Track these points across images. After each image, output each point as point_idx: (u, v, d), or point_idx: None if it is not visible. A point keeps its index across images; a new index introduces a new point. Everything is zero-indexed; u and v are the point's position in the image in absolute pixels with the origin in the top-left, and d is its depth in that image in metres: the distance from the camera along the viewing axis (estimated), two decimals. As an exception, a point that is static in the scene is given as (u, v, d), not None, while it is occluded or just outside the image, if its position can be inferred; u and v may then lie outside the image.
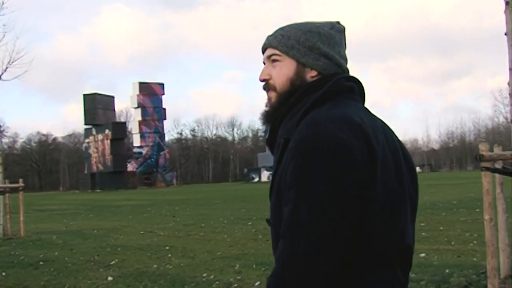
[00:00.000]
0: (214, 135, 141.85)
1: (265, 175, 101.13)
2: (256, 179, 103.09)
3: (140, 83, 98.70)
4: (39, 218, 24.69)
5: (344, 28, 1.93)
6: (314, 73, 1.83)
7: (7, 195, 16.55)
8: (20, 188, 16.65)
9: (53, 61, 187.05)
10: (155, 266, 10.26)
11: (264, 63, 1.93)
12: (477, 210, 17.82)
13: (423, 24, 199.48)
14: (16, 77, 17.52)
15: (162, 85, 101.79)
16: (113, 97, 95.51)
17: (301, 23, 1.90)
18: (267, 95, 1.89)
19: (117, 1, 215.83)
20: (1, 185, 16.49)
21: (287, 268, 1.56)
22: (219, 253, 11.38)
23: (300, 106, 1.76)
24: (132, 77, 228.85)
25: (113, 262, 10.83)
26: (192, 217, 20.86)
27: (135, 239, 14.42)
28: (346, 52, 1.93)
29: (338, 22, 1.93)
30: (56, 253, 12.47)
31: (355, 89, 1.84)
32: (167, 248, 12.42)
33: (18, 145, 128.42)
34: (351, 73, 1.91)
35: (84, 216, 24.96)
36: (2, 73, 16.86)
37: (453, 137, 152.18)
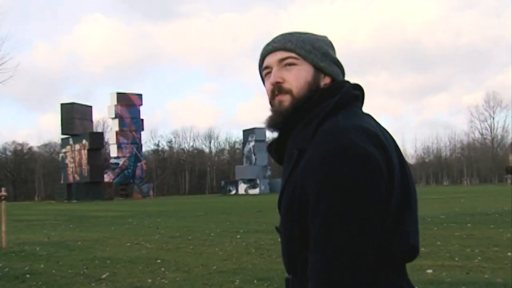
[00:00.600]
0: (191, 147, 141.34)
1: (242, 188, 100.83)
2: (233, 192, 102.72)
3: (118, 93, 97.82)
4: (17, 228, 23.97)
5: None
6: (327, 79, 1.86)
7: (-8, 204, 15.98)
8: (2, 197, 16.09)
9: (30, 70, 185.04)
10: (149, 280, 9.82)
11: (265, 69, 1.91)
12: (468, 225, 17.70)
13: (401, 39, 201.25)
14: (0, 82, 16.94)
15: (140, 95, 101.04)
16: (90, 106, 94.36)
17: (304, 32, 1.92)
18: (278, 98, 1.84)
19: (96, 10, 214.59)
20: (-17, 194, 15.92)
21: (330, 285, 1.55)
22: (214, 267, 10.95)
23: (314, 115, 1.75)
24: (110, 87, 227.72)
25: (104, 276, 10.37)
26: (176, 229, 20.38)
27: (123, 251, 13.93)
28: None
29: (326, 37, 1.96)
30: (42, 265, 11.96)
31: (360, 97, 1.87)
32: (159, 261, 11.97)
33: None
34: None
35: (64, 227, 24.31)
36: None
37: (429, 152, 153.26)
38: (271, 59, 1.87)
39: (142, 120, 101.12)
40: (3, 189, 16.33)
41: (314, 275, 1.59)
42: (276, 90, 1.84)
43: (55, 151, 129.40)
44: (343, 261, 1.55)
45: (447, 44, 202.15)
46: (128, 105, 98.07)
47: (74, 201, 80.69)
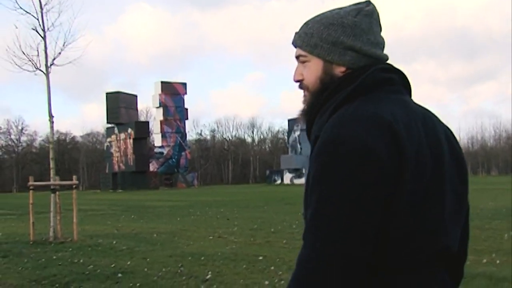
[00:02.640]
0: (234, 136, 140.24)
1: (288, 177, 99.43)
2: (279, 181, 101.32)
3: (163, 83, 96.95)
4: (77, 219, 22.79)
5: (373, 10, 1.81)
6: (342, 68, 1.78)
7: (57, 193, 14.71)
8: (74, 186, 14.80)
9: (71, 59, 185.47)
10: (266, 282, 8.36)
11: (297, 58, 1.87)
12: None
13: (451, 26, 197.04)
14: (70, 62, 15.58)
15: (184, 84, 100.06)
16: (136, 96, 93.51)
17: (325, 14, 1.83)
18: (304, 94, 1.87)
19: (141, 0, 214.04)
20: (53, 182, 14.65)
21: (308, 272, 1.53)
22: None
23: (331, 103, 1.73)
24: (154, 77, 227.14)
25: (209, 276, 8.95)
26: (251, 221, 18.98)
27: (211, 246, 12.55)
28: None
29: (367, 3, 1.82)
30: (129, 262, 10.60)
31: (395, 80, 1.77)
32: (261, 258, 10.52)
33: (37, 143, 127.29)
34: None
35: (126, 218, 23.11)
36: (56, 57, 14.89)
37: (473, 142, 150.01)
38: (295, 54, 1.88)
39: (187, 109, 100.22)
40: (74, 177, 15.07)
41: (300, 262, 1.56)
42: (300, 87, 1.87)
43: (97, 141, 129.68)
44: (321, 248, 1.50)
45: (497, 30, 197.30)
46: (173, 94, 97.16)
47: (120, 190, 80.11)
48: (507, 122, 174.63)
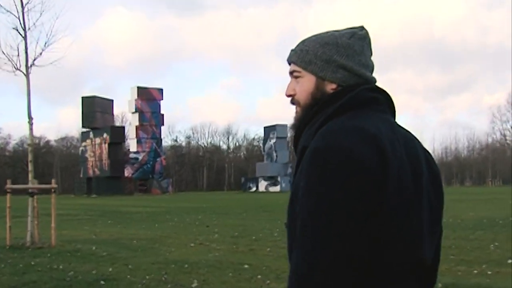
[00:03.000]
0: (209, 143, 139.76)
1: (263, 185, 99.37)
2: (254, 189, 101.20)
3: (139, 88, 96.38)
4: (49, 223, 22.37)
5: (366, 34, 1.90)
6: (333, 85, 1.84)
7: (35, 197, 14.36)
8: (53, 190, 14.46)
9: (47, 62, 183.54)
10: (255, 291, 8.15)
11: (290, 74, 1.94)
12: None
13: (428, 36, 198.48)
14: (51, 63, 15.23)
15: (161, 90, 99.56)
16: (112, 100, 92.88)
17: (321, 35, 1.90)
18: (295, 109, 1.92)
19: (119, 3, 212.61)
20: (31, 186, 14.29)
21: (301, 282, 1.55)
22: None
23: (320, 116, 1.78)
24: (130, 82, 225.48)
25: (195, 285, 8.72)
26: (231, 228, 18.73)
27: (193, 253, 12.30)
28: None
29: (361, 28, 1.91)
30: (110, 269, 10.31)
31: (380, 100, 1.83)
32: (246, 266, 10.30)
33: (10, 147, 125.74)
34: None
35: (103, 223, 22.75)
36: (36, 57, 14.53)
37: (447, 152, 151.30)
38: (289, 70, 1.93)
39: (163, 115, 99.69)
40: (53, 180, 14.73)
41: (290, 270, 1.60)
42: (292, 102, 1.92)
43: (72, 145, 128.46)
44: (315, 258, 1.53)
45: (473, 42, 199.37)
46: (149, 100, 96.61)
47: (94, 195, 79.29)
48: (481, 133, 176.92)
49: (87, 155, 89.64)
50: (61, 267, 10.61)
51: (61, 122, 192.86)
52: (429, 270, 1.77)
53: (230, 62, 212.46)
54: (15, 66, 14.58)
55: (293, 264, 1.59)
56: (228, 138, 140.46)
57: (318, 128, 1.72)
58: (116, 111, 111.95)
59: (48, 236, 14.95)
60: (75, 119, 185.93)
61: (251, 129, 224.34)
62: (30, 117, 14.65)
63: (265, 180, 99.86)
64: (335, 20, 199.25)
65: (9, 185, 14.17)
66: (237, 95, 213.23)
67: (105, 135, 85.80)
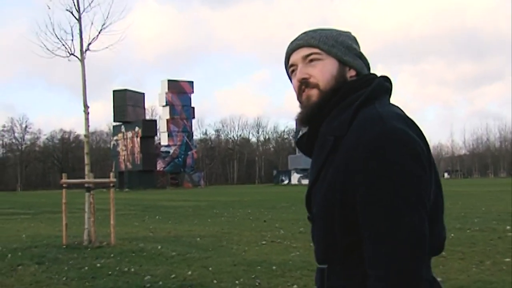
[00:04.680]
0: (239, 136, 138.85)
1: (295, 178, 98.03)
2: (286, 181, 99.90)
3: (169, 81, 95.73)
4: (98, 220, 21.33)
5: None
6: (353, 72, 1.86)
7: (92, 192, 13.29)
8: (112, 184, 13.37)
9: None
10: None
11: (290, 67, 1.93)
12: None
13: (460, 26, 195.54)
14: (106, 47, 14.12)
15: (191, 83, 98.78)
16: (143, 94, 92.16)
17: (328, 28, 1.92)
18: (305, 94, 1.85)
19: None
20: (88, 180, 13.22)
21: (397, 272, 1.55)
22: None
23: (347, 103, 1.75)
24: (159, 75, 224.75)
25: (298, 292, 7.52)
26: (291, 223, 17.52)
27: (271, 253, 11.15)
28: (367, 51, 1.98)
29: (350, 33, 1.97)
30: (189, 272, 9.16)
31: (390, 90, 1.86)
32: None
33: (40, 142, 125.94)
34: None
35: (151, 219, 21.71)
36: (92, 41, 13.43)
37: (478, 143, 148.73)
38: (296, 57, 1.89)
39: (193, 108, 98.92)
40: (111, 174, 13.65)
41: (381, 266, 1.56)
42: (304, 85, 1.85)
43: (101, 139, 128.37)
44: (409, 249, 1.55)
45: (506, 31, 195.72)
46: (179, 93, 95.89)
47: (126, 189, 78.52)
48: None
49: (118, 149, 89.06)
50: (132, 269, 9.50)
51: (91, 117, 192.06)
52: (442, 250, 1.80)
53: (260, 55, 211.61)
54: (69, 51, 13.51)
55: (382, 259, 1.56)
56: (258, 131, 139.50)
57: (352, 116, 1.70)
58: (146, 104, 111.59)
59: (103, 233, 13.96)
60: (105, 114, 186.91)
61: (281, 121, 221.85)
62: (86, 106, 13.62)
63: (297, 172, 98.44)
64: (367, 10, 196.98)
65: (64, 179, 13.10)
66: (266, 88, 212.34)
67: (136, 128, 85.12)
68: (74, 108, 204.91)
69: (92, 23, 13.52)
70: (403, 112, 1.74)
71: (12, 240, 14.44)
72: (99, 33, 13.45)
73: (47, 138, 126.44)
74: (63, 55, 13.53)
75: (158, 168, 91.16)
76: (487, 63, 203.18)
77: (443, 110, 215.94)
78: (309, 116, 1.84)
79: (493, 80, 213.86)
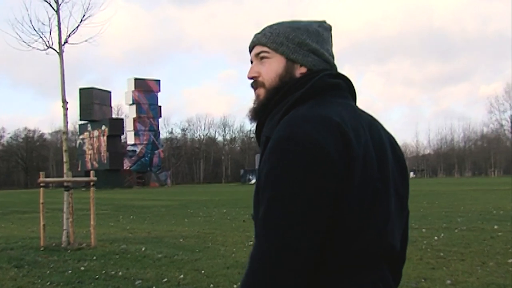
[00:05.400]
0: (205, 135, 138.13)
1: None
2: (253, 181, 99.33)
3: (136, 79, 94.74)
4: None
5: (331, 27, 1.94)
6: (303, 69, 1.83)
7: (71, 191, 12.71)
8: (92, 183, 12.80)
9: (45, 55, 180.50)
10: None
11: (251, 62, 1.92)
12: None
13: (427, 26, 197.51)
14: (86, 40, 13.52)
15: (158, 81, 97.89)
16: (110, 92, 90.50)
17: (289, 21, 1.90)
18: (256, 93, 1.88)
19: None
20: (68, 179, 12.63)
21: (260, 268, 1.54)
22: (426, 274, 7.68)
23: (284, 103, 1.77)
24: (125, 73, 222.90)
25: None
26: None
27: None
28: (334, 51, 1.95)
29: (324, 21, 1.94)
30: (181, 275, 8.70)
31: (341, 85, 1.83)
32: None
33: (4, 140, 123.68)
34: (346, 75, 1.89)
35: (126, 219, 21.09)
36: (71, 34, 12.81)
37: (442, 143, 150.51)
38: (252, 54, 1.91)
39: (160, 106, 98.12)
40: (92, 172, 13.07)
41: (253, 258, 1.57)
42: (253, 85, 1.87)
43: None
44: (275, 246, 1.52)
45: (472, 32, 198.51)
46: (146, 91, 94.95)
47: (83, 189, 77.10)
48: (476, 123, 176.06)
49: (85, 148, 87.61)
50: (120, 273, 8.99)
51: (54, 115, 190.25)
52: (397, 259, 1.78)
53: (227, 54, 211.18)
54: (47, 44, 12.89)
55: (254, 248, 1.57)
56: (224, 130, 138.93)
57: (281, 117, 1.71)
58: (112, 103, 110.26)
59: (81, 235, 13.42)
60: (70, 112, 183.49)
61: (247, 121, 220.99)
62: (64, 101, 12.97)
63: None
64: (335, 9, 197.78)
65: (42, 178, 12.52)
66: (233, 87, 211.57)
67: (103, 127, 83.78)
68: (39, 107, 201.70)
69: (71, 15, 12.88)
70: (341, 112, 1.68)
71: (-16, 242, 13.76)
72: (79, 25, 12.86)
73: (11, 137, 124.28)
74: (41, 48, 12.89)
75: (124, 167, 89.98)
76: (453, 63, 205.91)
77: (408, 110, 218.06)
78: (255, 114, 1.87)
79: (458, 81, 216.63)
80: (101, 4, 17.94)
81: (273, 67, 1.83)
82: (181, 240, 13.25)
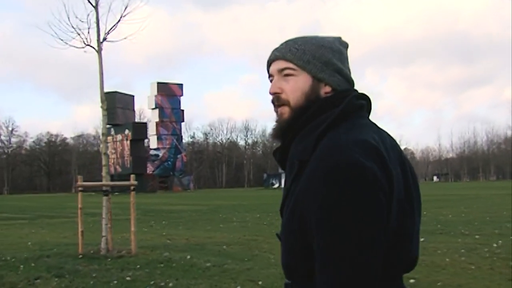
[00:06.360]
0: (227, 139, 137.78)
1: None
2: (277, 185, 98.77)
3: (159, 83, 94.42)
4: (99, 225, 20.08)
5: (348, 45, 1.93)
6: (328, 89, 1.81)
7: (109, 196, 12.11)
8: (132, 188, 12.18)
9: (68, 59, 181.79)
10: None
11: (270, 76, 1.88)
12: None
13: (451, 30, 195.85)
14: (125, 38, 12.95)
15: (181, 85, 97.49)
16: (133, 96, 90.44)
17: (311, 37, 1.87)
18: (278, 110, 1.83)
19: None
20: (107, 183, 12.03)
21: None
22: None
23: (315, 125, 1.73)
24: (148, 78, 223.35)
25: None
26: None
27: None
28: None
29: (340, 38, 1.92)
30: (238, 287, 8.04)
31: (365, 106, 1.82)
32: (412, 281, 7.99)
33: (27, 145, 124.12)
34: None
35: (158, 224, 20.51)
36: (110, 31, 12.23)
37: (465, 147, 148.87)
38: (273, 68, 1.85)
39: (183, 110, 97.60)
40: (132, 176, 12.46)
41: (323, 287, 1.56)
42: (276, 101, 1.83)
43: (88, 143, 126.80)
44: (353, 275, 1.51)
45: (496, 35, 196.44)
46: (169, 95, 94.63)
47: (116, 193, 76.92)
48: (500, 127, 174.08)
49: (108, 152, 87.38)
50: (170, 284, 8.36)
51: (77, 120, 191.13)
52: (414, 266, 1.78)
53: (249, 58, 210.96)
54: (85, 41, 12.31)
55: (324, 283, 1.55)
56: (246, 134, 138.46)
57: (316, 140, 1.67)
58: (135, 107, 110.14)
59: (117, 241, 12.83)
60: (92, 117, 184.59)
61: (269, 125, 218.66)
62: (103, 101, 12.57)
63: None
64: (359, 13, 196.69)
65: (80, 182, 11.91)
66: (255, 91, 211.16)
67: (126, 131, 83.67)
68: (61, 111, 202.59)
69: (110, 10, 12.28)
70: (371, 134, 1.68)
71: (18, 249, 13.23)
72: (119, 20, 12.25)
73: (33, 141, 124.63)
74: (78, 46, 12.33)
75: (147, 172, 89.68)
76: (476, 66, 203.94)
77: (431, 114, 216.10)
78: (281, 132, 1.82)
79: (481, 84, 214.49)
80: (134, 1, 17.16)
81: (299, 85, 1.78)
82: (224, 247, 12.60)
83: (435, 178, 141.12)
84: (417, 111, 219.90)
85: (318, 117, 1.73)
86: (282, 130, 1.80)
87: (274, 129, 1.85)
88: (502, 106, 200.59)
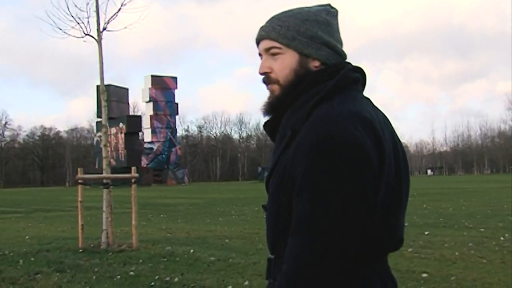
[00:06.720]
0: (222, 132, 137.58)
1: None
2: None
3: (153, 76, 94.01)
4: (97, 219, 19.84)
5: (337, 11, 1.86)
6: (317, 63, 1.78)
7: (110, 189, 11.88)
8: (133, 180, 11.94)
9: (62, 53, 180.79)
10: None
11: (260, 55, 1.84)
12: None
13: (447, 23, 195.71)
14: (125, 27, 12.68)
15: (175, 78, 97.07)
16: (127, 89, 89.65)
17: (296, 10, 1.82)
18: (270, 88, 1.82)
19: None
20: (107, 175, 11.78)
21: (304, 269, 1.50)
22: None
23: (307, 98, 1.71)
24: (142, 71, 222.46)
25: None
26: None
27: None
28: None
29: (329, 5, 1.86)
30: (246, 282, 7.83)
31: (359, 79, 1.80)
32: (425, 275, 7.79)
33: (20, 138, 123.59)
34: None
35: (157, 218, 20.32)
36: (110, 20, 11.95)
37: (459, 141, 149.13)
38: (260, 47, 1.83)
39: (177, 104, 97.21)
40: (133, 169, 12.21)
41: (290, 257, 1.53)
42: (266, 80, 1.81)
43: (82, 136, 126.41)
44: (322, 247, 1.49)
45: (491, 29, 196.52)
46: (163, 88, 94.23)
47: (112, 186, 76.56)
48: (493, 120, 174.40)
49: (102, 145, 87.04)
50: (176, 279, 8.13)
51: (70, 113, 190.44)
52: (399, 247, 1.76)
53: (243, 51, 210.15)
54: (85, 31, 12.05)
55: (292, 251, 1.53)
56: (240, 128, 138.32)
57: (309, 111, 1.65)
58: (129, 100, 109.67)
59: (117, 235, 12.62)
60: (85, 110, 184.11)
61: (263, 118, 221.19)
62: (104, 92, 12.25)
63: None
64: (355, 7, 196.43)
65: (80, 175, 11.66)
66: (249, 85, 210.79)
67: (121, 124, 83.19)
68: (55, 105, 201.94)
69: (109, 0, 12.01)
70: (367, 107, 1.67)
71: (16, 243, 13.01)
72: (120, 9, 11.98)
73: (27, 135, 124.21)
74: (78, 35, 12.06)
75: (141, 165, 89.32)
76: (471, 60, 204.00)
77: (425, 107, 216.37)
78: (271, 108, 1.80)
79: (475, 78, 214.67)
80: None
81: (286, 63, 1.77)
82: (226, 241, 12.39)
83: (429, 171, 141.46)
84: (412, 104, 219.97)
85: (310, 90, 1.71)
86: (273, 106, 1.79)
87: (265, 105, 1.83)
88: (496, 100, 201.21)
